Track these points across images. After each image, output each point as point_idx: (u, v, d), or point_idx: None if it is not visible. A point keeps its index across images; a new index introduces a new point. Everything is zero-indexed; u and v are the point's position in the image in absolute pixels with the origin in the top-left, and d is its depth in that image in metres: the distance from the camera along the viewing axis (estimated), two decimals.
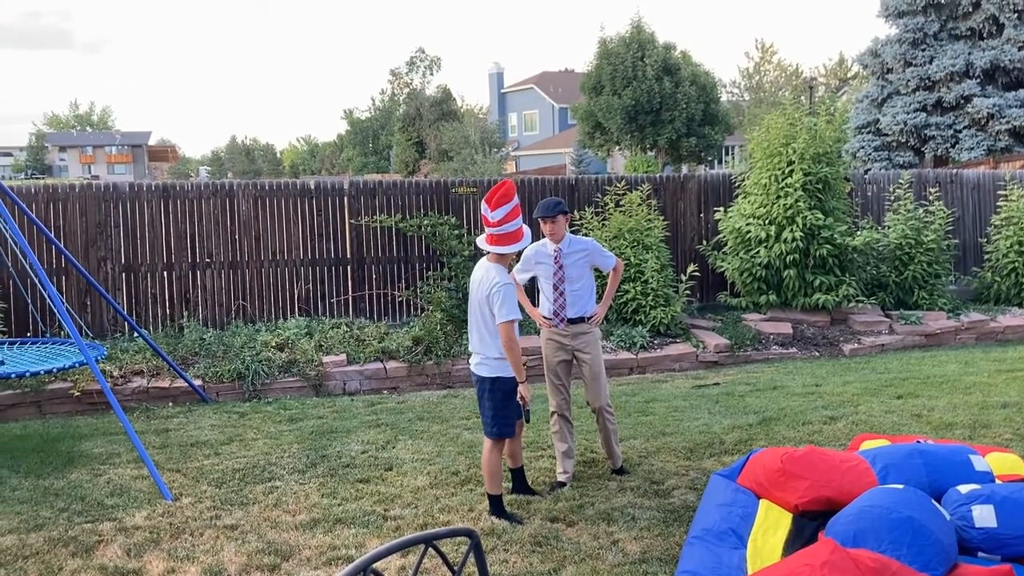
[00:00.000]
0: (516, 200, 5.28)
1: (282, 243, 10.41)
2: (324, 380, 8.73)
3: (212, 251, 10.20)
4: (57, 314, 6.82)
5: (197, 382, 8.46)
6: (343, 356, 9.00)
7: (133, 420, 7.65)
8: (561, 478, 5.93)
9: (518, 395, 5.28)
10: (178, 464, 6.48)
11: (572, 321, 5.99)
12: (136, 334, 8.78)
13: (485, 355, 5.38)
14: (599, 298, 6.32)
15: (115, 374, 8.45)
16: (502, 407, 5.36)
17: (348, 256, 10.59)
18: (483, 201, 5.30)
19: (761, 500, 4.87)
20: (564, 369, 6.05)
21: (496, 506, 5.38)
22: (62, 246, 8.84)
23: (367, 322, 10.19)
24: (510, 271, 5.60)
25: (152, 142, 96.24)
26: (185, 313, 10.03)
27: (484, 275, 5.31)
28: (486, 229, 5.33)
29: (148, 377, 8.52)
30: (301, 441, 6.98)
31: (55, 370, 6.88)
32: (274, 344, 9.09)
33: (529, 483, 5.79)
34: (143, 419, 7.79)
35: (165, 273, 10.10)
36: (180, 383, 8.39)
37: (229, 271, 10.24)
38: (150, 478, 6.00)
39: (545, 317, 6.04)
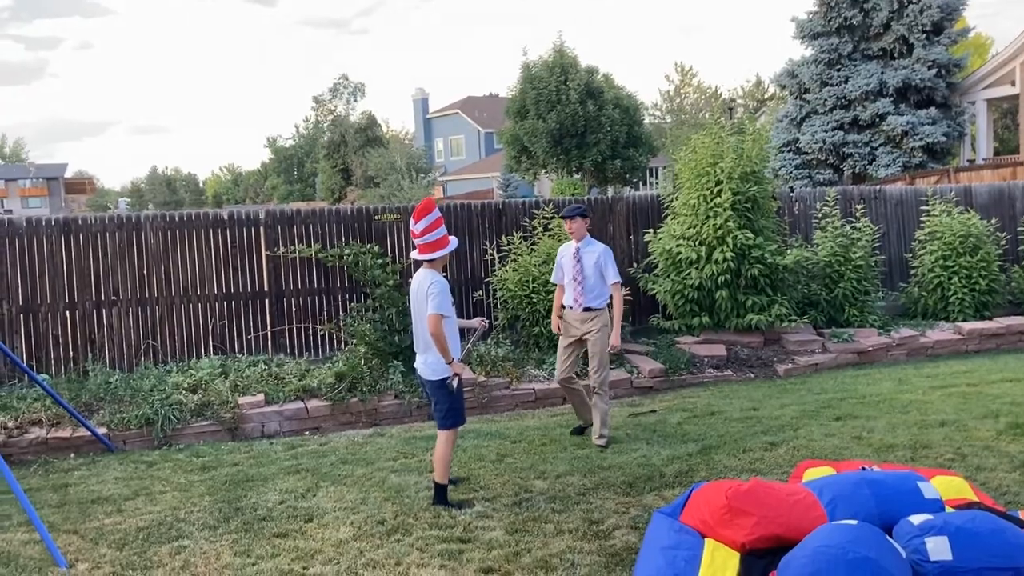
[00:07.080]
0: (437, 212, 5.89)
1: (194, 277, 9.84)
2: (240, 423, 8.19)
3: (118, 288, 9.59)
4: None
5: (101, 430, 7.85)
6: (261, 396, 8.47)
7: (30, 475, 7.06)
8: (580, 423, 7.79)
9: (451, 373, 5.78)
10: (76, 524, 5.91)
11: (586, 309, 7.36)
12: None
13: (429, 359, 5.85)
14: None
15: (10, 425, 7.80)
16: (454, 400, 5.88)
17: (266, 289, 10.07)
18: (411, 218, 5.89)
19: (706, 540, 4.60)
20: (572, 347, 7.50)
21: (441, 495, 5.89)
22: None
23: (287, 359, 9.69)
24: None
25: (69, 174, 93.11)
26: (90, 355, 9.40)
27: (421, 281, 5.86)
28: (414, 242, 5.88)
29: (47, 427, 7.89)
30: (213, 492, 6.46)
31: None
32: (186, 386, 8.52)
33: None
34: (40, 474, 7.17)
35: (68, 313, 9.45)
36: (83, 432, 7.77)
37: (137, 308, 9.64)
38: (43, 543, 5.43)
39: (564, 305, 7.49)
